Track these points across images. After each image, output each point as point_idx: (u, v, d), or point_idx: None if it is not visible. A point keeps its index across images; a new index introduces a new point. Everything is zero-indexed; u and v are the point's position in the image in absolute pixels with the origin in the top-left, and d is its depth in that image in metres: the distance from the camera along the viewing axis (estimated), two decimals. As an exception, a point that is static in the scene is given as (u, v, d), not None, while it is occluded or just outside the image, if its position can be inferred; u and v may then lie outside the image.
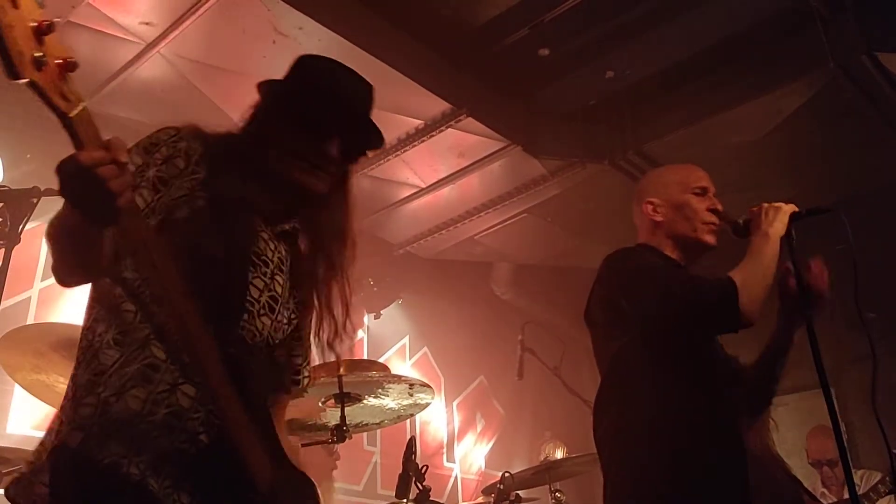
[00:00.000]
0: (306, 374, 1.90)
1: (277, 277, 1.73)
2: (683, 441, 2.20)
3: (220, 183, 1.64)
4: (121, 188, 1.26)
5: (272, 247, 1.73)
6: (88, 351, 1.57)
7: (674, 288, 2.24)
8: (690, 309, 2.20)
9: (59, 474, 1.46)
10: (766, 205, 2.36)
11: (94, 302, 1.62)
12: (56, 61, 1.20)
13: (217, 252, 1.59)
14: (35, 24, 1.15)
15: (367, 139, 1.80)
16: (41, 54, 1.16)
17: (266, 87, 1.79)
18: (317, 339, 1.80)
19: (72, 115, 1.23)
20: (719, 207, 2.52)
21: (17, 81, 1.15)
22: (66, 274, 1.54)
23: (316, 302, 1.79)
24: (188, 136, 1.65)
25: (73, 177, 1.25)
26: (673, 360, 2.27)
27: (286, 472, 1.67)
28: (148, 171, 1.57)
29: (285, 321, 1.75)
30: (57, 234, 1.47)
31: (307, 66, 1.82)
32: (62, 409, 1.56)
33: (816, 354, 2.29)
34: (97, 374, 1.52)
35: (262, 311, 1.68)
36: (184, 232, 1.55)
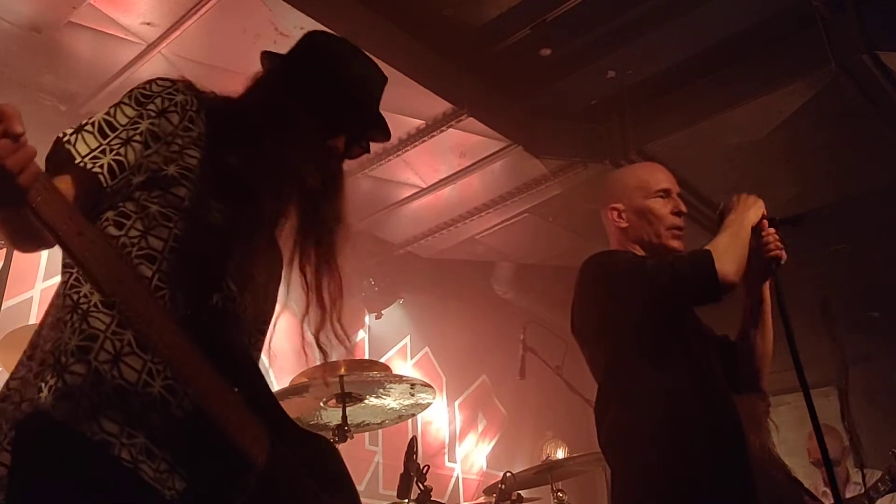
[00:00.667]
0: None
1: (272, 253, 1.66)
2: (686, 437, 2.18)
3: (211, 146, 1.54)
4: (19, 164, 1.12)
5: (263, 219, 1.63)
6: (74, 312, 1.40)
7: (651, 270, 2.24)
8: (672, 285, 2.19)
9: (30, 449, 1.28)
10: (739, 196, 2.39)
11: (67, 267, 1.48)
12: None
13: (201, 214, 1.48)
14: None
15: (375, 135, 1.74)
16: None
17: (272, 61, 1.69)
18: (303, 327, 1.68)
19: None
20: (683, 209, 2.48)
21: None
22: (20, 246, 1.44)
23: (305, 290, 1.68)
24: (184, 90, 1.55)
25: None
26: (666, 356, 2.25)
27: (294, 440, 1.56)
28: (141, 123, 1.48)
29: (273, 302, 1.66)
30: None
31: (321, 48, 1.71)
32: (32, 374, 1.40)
33: (783, 310, 2.28)
34: (88, 338, 1.36)
35: (252, 283, 1.57)
36: (169, 190, 1.46)
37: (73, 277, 1.45)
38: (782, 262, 2.34)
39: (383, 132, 1.73)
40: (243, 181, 1.55)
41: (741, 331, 2.47)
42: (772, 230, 2.36)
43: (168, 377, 1.38)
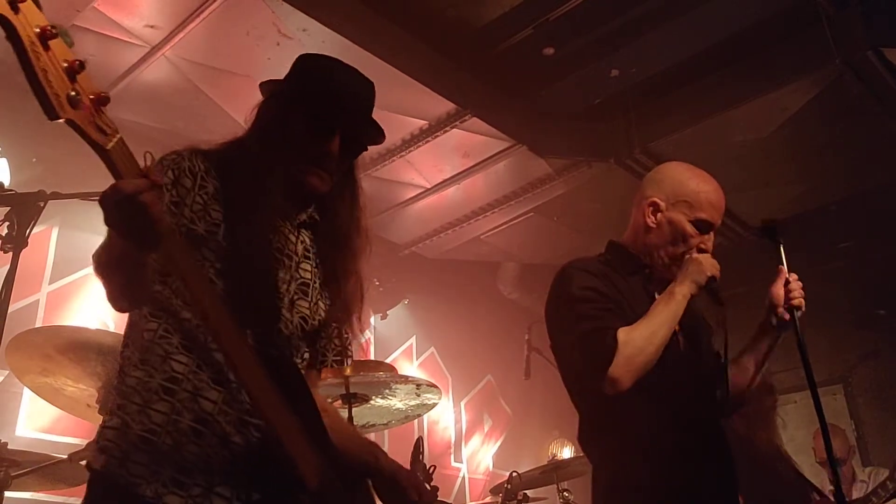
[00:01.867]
0: (349, 353, 1.92)
1: (304, 265, 1.77)
2: (669, 467, 2.17)
3: (230, 190, 1.67)
4: (161, 212, 1.32)
5: (293, 238, 1.77)
6: (119, 376, 1.62)
7: (587, 338, 2.18)
8: (582, 360, 2.18)
9: (88, 494, 1.56)
10: (689, 257, 2.28)
11: (128, 326, 1.67)
12: (90, 97, 1.27)
13: (240, 258, 1.62)
14: (66, 63, 1.22)
15: (368, 135, 1.84)
16: (75, 93, 1.22)
17: (268, 88, 1.82)
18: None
19: (108, 147, 1.30)
20: (708, 249, 2.34)
21: (57, 121, 1.21)
22: (121, 300, 1.59)
23: (320, 285, 1.81)
24: (189, 155, 1.69)
25: (117, 205, 1.29)
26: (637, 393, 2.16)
27: (336, 469, 1.66)
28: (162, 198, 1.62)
29: (322, 306, 1.79)
30: (105, 266, 1.51)
31: (307, 66, 1.86)
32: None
33: (806, 363, 2.27)
34: (123, 396, 1.57)
35: (295, 298, 1.72)
36: (204, 244, 1.60)
37: (122, 342, 1.67)
38: (802, 311, 2.34)
39: (375, 129, 1.84)
40: (264, 210, 1.69)
41: (743, 358, 2.44)
42: (795, 277, 2.36)
43: (194, 411, 1.53)
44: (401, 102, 4.75)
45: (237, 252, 1.62)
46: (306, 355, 1.79)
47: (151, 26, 4.15)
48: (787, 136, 5.22)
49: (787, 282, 2.35)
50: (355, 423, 3.24)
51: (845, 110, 4.98)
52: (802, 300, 2.34)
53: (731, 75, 4.95)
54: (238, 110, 4.20)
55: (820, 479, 4.97)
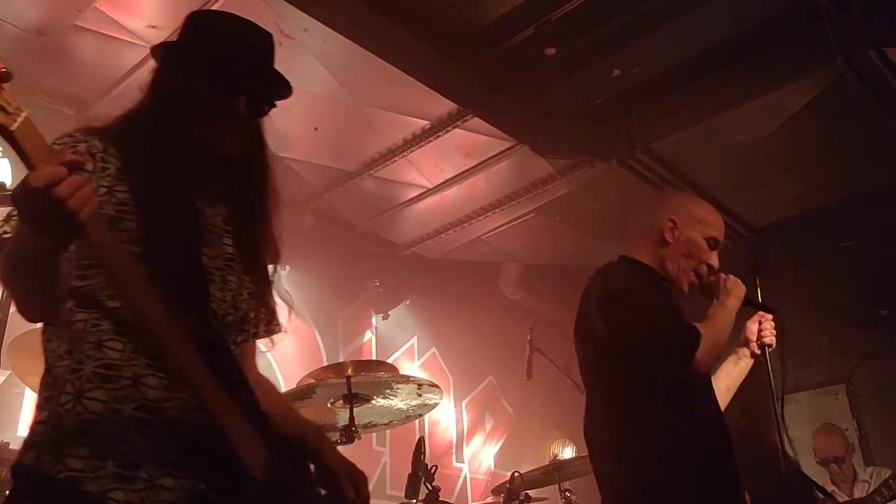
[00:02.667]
0: (277, 319, 1.82)
1: (226, 239, 1.69)
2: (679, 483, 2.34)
3: (134, 167, 1.57)
4: (81, 202, 1.20)
5: (210, 212, 1.68)
6: (47, 375, 1.50)
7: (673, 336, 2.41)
8: (665, 348, 2.40)
9: (13, 493, 1.43)
10: (723, 276, 2.60)
11: (46, 324, 1.56)
12: None
13: (157, 239, 1.51)
14: None
15: (274, 90, 1.74)
16: None
17: (161, 51, 1.72)
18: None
19: (13, 128, 1.17)
20: (715, 264, 2.65)
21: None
22: (35, 308, 1.48)
23: (245, 253, 1.72)
24: (84, 137, 1.58)
25: (32, 203, 1.19)
26: (667, 404, 2.41)
27: (278, 454, 1.61)
28: None
29: (248, 278, 1.70)
30: (16, 270, 1.39)
31: (201, 24, 1.75)
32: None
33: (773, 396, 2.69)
34: (51, 388, 1.47)
35: (225, 275, 1.63)
36: (116, 230, 1.48)
37: (45, 339, 1.54)
38: (772, 348, 2.74)
39: (280, 82, 1.73)
40: (174, 185, 1.59)
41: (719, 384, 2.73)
42: (769, 318, 2.74)
43: (136, 399, 1.44)
44: (402, 102, 4.75)
45: (153, 233, 1.51)
46: (239, 338, 1.70)
47: (153, 27, 4.15)
48: (788, 136, 5.22)
49: (761, 321, 2.74)
50: (356, 423, 3.24)
51: (846, 110, 4.98)
52: (773, 338, 2.73)
53: (732, 75, 4.94)
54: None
55: (822, 478, 4.97)
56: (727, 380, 2.75)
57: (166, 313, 1.40)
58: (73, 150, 1.54)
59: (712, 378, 2.63)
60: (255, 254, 1.73)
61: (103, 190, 1.52)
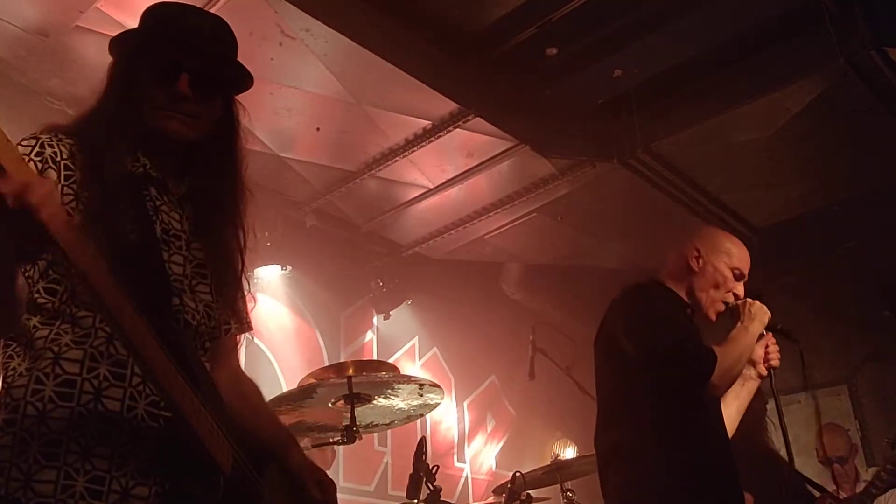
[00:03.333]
0: (247, 316, 1.85)
1: (195, 244, 1.69)
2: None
3: (98, 173, 1.55)
4: (54, 210, 1.20)
5: (177, 216, 1.68)
6: (6, 395, 1.49)
7: (677, 343, 2.58)
8: (681, 365, 2.54)
9: None
10: (749, 301, 2.76)
11: (5, 344, 1.55)
12: None
13: (123, 247, 1.50)
14: None
15: (226, 74, 1.76)
16: None
17: (112, 45, 1.74)
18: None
19: None
20: (740, 294, 2.78)
21: None
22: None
23: (213, 253, 1.72)
24: (49, 140, 1.58)
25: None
26: (675, 404, 2.57)
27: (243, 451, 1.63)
28: None
29: (220, 282, 1.70)
30: None
31: (147, 14, 1.76)
32: None
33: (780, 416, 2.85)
34: (12, 410, 1.46)
35: (194, 283, 1.64)
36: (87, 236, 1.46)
37: (5, 357, 1.53)
38: (777, 369, 2.87)
39: (237, 70, 1.78)
40: (138, 189, 1.60)
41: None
42: (774, 341, 2.86)
43: (100, 412, 1.44)
44: (404, 102, 4.74)
45: (118, 241, 1.49)
46: (208, 343, 1.70)
47: (155, 27, 4.15)
48: (790, 137, 5.21)
49: (767, 345, 2.85)
50: (358, 423, 3.24)
51: (849, 110, 4.97)
52: (778, 361, 2.86)
53: (734, 75, 4.94)
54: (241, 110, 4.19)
55: (823, 479, 4.96)
56: (737, 401, 2.86)
57: (143, 322, 1.38)
58: (40, 156, 1.54)
59: (723, 400, 2.75)
60: (226, 255, 1.73)
61: (70, 198, 1.52)
